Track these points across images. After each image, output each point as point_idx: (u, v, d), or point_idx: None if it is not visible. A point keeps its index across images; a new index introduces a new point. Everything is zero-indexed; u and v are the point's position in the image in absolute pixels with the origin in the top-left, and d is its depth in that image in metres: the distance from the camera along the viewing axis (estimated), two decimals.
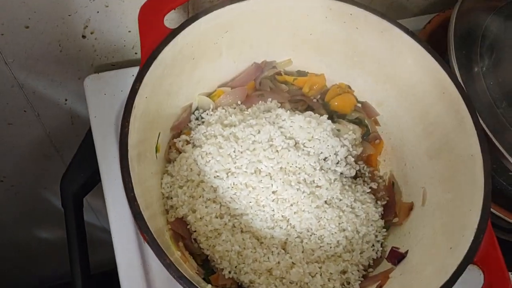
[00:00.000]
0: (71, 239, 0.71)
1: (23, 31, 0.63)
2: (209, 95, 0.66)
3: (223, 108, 0.65)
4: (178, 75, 0.59)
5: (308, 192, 0.58)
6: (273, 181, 0.58)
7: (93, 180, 0.73)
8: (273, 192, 0.58)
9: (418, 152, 0.63)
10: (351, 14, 0.60)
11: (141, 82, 0.50)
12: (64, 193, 0.72)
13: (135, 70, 0.70)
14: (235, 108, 0.66)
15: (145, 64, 0.51)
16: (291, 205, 0.58)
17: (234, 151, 0.59)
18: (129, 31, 0.70)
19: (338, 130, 0.65)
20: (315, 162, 0.60)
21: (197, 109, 0.65)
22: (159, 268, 0.60)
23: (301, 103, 0.69)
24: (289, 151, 0.59)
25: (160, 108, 0.58)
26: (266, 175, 0.58)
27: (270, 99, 0.67)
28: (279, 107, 0.66)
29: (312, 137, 0.62)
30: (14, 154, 0.87)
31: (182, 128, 0.64)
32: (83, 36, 0.68)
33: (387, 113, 0.67)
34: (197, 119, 0.65)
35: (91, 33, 0.68)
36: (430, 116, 0.60)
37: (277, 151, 0.60)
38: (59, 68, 0.72)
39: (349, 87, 0.69)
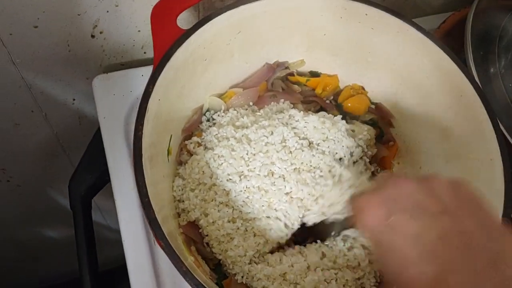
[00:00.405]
0: (79, 241, 0.70)
1: (31, 31, 0.62)
2: (220, 96, 0.65)
3: (234, 109, 0.63)
4: (190, 77, 0.58)
5: (331, 184, 0.56)
6: (286, 182, 0.57)
7: (102, 181, 0.72)
8: (286, 194, 0.57)
9: (434, 155, 0.61)
10: (366, 14, 0.58)
11: (154, 84, 0.49)
12: (73, 195, 0.71)
13: (144, 70, 0.70)
14: (247, 109, 0.65)
15: (158, 66, 0.50)
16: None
17: (247, 154, 0.58)
18: (139, 31, 0.69)
19: (353, 131, 0.64)
20: (330, 161, 0.58)
21: (208, 110, 0.64)
22: (169, 269, 0.59)
23: (313, 104, 0.67)
24: (303, 151, 0.58)
25: (171, 110, 0.57)
26: (280, 177, 0.57)
27: (282, 100, 0.65)
28: (292, 108, 0.65)
29: (327, 137, 0.60)
30: (21, 154, 0.86)
31: (193, 130, 0.63)
32: (92, 36, 0.67)
33: (402, 115, 0.66)
34: (208, 120, 0.64)
35: (100, 32, 0.67)
36: (447, 119, 0.58)
37: (290, 152, 0.58)
38: (67, 68, 0.71)
39: (363, 88, 0.67)
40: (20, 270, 1.32)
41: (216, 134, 0.60)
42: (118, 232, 0.62)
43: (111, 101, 0.68)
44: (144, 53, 0.74)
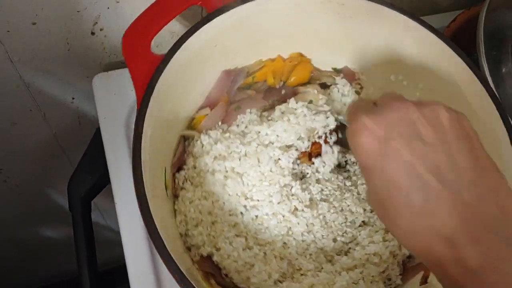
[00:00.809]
0: (79, 244, 0.69)
1: (29, 29, 0.60)
2: (190, 123, 0.61)
3: (205, 134, 0.58)
4: (173, 104, 0.55)
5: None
6: (302, 201, 0.55)
7: (102, 182, 0.70)
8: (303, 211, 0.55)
9: None
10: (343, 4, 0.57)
11: (143, 124, 0.47)
12: (72, 196, 0.69)
13: None
14: (217, 131, 0.59)
15: (142, 103, 0.47)
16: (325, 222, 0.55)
17: (247, 186, 0.54)
18: None
19: (310, 102, 0.60)
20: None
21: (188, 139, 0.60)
22: (170, 274, 0.57)
23: (276, 97, 0.63)
24: (298, 165, 0.56)
25: (161, 143, 0.54)
26: (293, 196, 0.54)
27: (249, 110, 0.61)
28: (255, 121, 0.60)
29: (300, 132, 0.57)
30: (19, 154, 0.85)
31: (182, 163, 0.59)
32: (92, 33, 0.65)
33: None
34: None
35: (101, 30, 0.65)
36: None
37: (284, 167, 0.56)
38: (67, 67, 0.69)
39: (302, 55, 0.64)
40: (20, 270, 1.31)
41: (196, 169, 0.56)
42: (117, 232, 0.60)
43: (112, 100, 0.66)
44: None
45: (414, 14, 0.55)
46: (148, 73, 0.49)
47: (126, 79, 0.67)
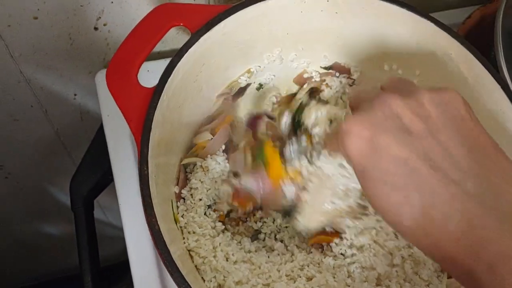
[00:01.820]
0: (81, 243, 0.68)
1: (31, 23, 0.59)
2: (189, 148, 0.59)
3: (211, 158, 0.56)
4: (170, 131, 0.52)
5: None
6: None
7: (105, 181, 0.69)
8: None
9: None
10: (327, 1, 0.54)
11: (147, 164, 0.45)
12: (74, 196, 0.68)
13: (149, 65, 0.66)
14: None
15: (142, 143, 0.45)
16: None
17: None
18: None
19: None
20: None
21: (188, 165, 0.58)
22: None
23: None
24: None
25: (166, 175, 0.52)
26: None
27: None
28: None
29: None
30: (19, 151, 0.83)
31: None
32: (96, 28, 0.64)
33: None
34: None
35: (104, 25, 0.64)
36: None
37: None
38: (69, 62, 0.68)
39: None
40: (21, 266, 1.30)
41: (195, 229, 0.53)
42: (118, 228, 0.59)
43: None
44: None
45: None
46: (141, 109, 0.47)
47: None
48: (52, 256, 1.29)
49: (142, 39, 0.49)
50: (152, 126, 0.46)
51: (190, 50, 0.49)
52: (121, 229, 0.59)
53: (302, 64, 0.63)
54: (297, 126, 0.55)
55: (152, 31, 0.50)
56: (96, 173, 0.68)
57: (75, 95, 0.75)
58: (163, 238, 0.42)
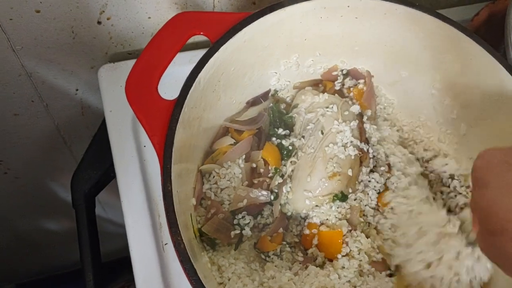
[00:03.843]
0: (82, 240, 0.66)
1: (33, 16, 0.58)
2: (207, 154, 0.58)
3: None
4: (189, 141, 0.52)
5: None
6: None
7: (106, 178, 0.68)
8: None
9: None
10: (348, 6, 0.54)
11: (171, 181, 0.44)
12: (75, 193, 0.67)
13: None
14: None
15: (165, 157, 0.44)
16: None
17: None
18: (149, 18, 0.64)
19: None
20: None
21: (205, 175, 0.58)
22: (178, 274, 0.56)
23: None
24: None
25: (184, 186, 0.51)
26: None
27: None
28: None
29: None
30: (19, 146, 0.82)
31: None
32: (99, 22, 0.62)
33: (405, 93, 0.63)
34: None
35: (108, 19, 0.62)
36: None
37: None
38: (71, 57, 0.67)
39: None
40: (22, 261, 1.30)
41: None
42: (119, 225, 0.58)
43: (118, 93, 0.63)
44: None
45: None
46: (162, 123, 0.46)
47: None
48: (53, 252, 1.27)
49: (161, 50, 0.48)
50: (175, 141, 0.45)
51: (210, 60, 0.49)
52: (120, 226, 0.58)
53: (318, 70, 0.63)
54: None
55: (171, 42, 0.49)
56: (97, 170, 0.67)
57: (76, 90, 0.73)
58: (189, 256, 0.42)
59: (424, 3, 0.73)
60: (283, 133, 0.59)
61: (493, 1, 0.67)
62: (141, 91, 0.47)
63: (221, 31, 0.49)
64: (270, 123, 0.60)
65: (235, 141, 0.57)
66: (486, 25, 0.66)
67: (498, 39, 0.59)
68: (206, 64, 0.48)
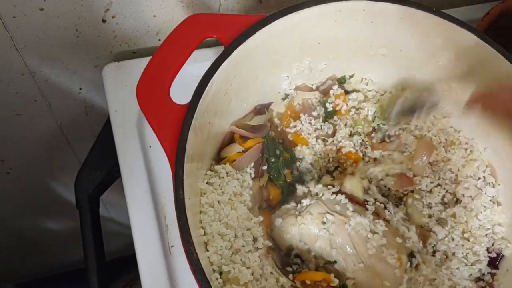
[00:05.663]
0: (86, 241, 0.66)
1: (37, 14, 0.57)
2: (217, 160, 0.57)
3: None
4: (200, 146, 0.50)
5: None
6: None
7: (111, 178, 0.67)
8: None
9: None
10: (364, 10, 0.53)
11: (183, 188, 0.43)
12: (79, 193, 0.66)
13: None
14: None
15: (177, 166, 0.43)
16: None
17: None
18: (154, 16, 0.63)
19: None
20: None
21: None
22: (185, 276, 0.55)
23: None
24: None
25: (192, 190, 0.50)
26: None
27: None
28: None
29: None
30: (22, 146, 0.81)
31: None
32: (103, 21, 0.61)
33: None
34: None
35: (112, 17, 0.61)
36: None
37: None
38: (75, 55, 0.66)
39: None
40: (24, 260, 1.29)
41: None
42: (121, 224, 0.57)
43: (123, 92, 0.63)
44: (159, 40, 0.68)
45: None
46: (174, 128, 0.45)
47: (138, 70, 0.62)
48: (55, 251, 1.27)
49: (173, 53, 0.47)
50: (187, 147, 0.44)
51: (223, 64, 0.48)
52: (123, 225, 0.57)
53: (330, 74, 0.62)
54: None
55: (183, 45, 0.48)
56: (102, 170, 0.66)
57: (80, 89, 0.72)
58: (201, 266, 0.41)
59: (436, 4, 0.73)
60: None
61: (503, 1, 0.66)
62: (152, 95, 0.46)
63: (234, 34, 0.48)
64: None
65: (244, 149, 0.56)
66: (496, 24, 0.65)
67: (509, 38, 0.58)
68: (219, 68, 0.47)
